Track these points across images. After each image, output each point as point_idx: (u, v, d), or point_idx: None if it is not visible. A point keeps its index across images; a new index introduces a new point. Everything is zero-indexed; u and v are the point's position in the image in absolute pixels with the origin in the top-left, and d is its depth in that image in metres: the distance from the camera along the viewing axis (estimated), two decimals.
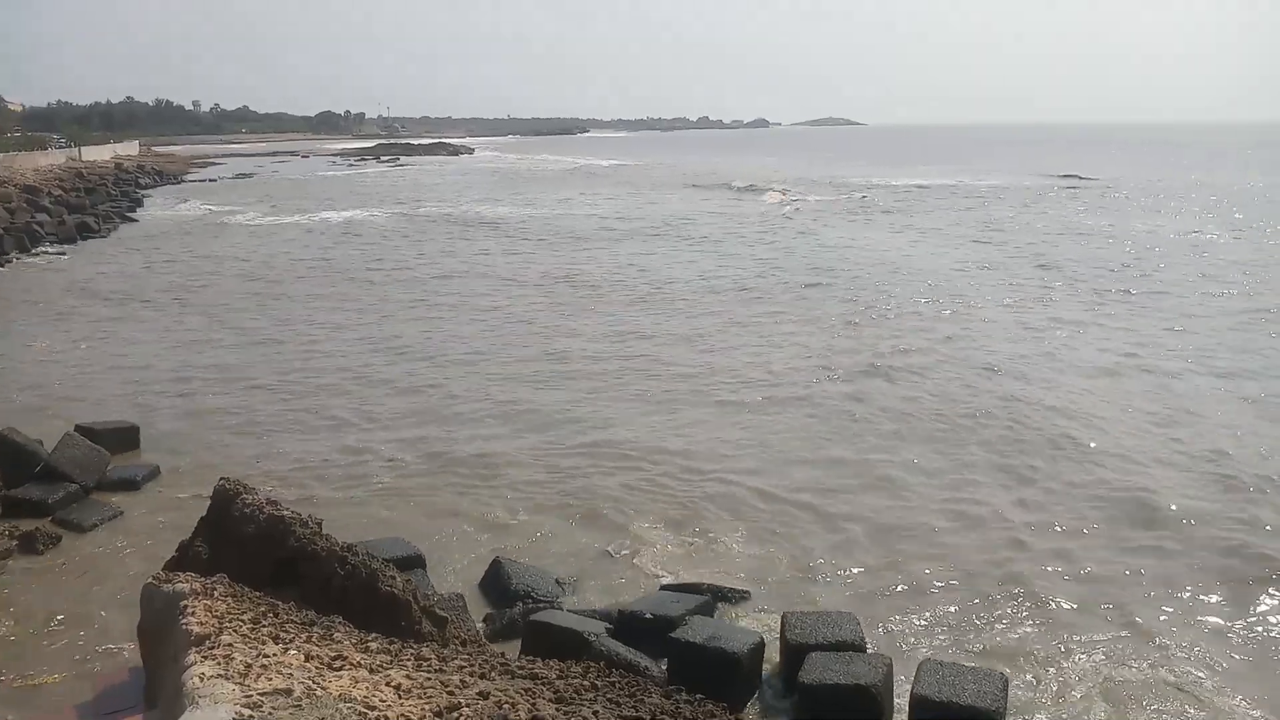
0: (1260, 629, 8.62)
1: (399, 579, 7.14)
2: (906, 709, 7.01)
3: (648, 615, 8.29)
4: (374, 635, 6.07)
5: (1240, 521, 10.78)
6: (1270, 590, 9.27)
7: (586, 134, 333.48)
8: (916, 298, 24.13)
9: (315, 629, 5.91)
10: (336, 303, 24.81)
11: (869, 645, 7.87)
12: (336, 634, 5.89)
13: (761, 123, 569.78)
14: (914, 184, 68.79)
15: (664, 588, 9.30)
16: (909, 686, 7.07)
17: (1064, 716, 7.37)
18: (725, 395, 15.91)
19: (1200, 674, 7.90)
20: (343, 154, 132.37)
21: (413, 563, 9.15)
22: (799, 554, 10.22)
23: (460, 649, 6.61)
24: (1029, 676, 7.89)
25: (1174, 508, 11.15)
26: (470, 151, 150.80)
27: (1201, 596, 9.20)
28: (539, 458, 13.08)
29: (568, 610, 8.72)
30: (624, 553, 10.29)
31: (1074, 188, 63.32)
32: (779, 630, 7.99)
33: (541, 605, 8.79)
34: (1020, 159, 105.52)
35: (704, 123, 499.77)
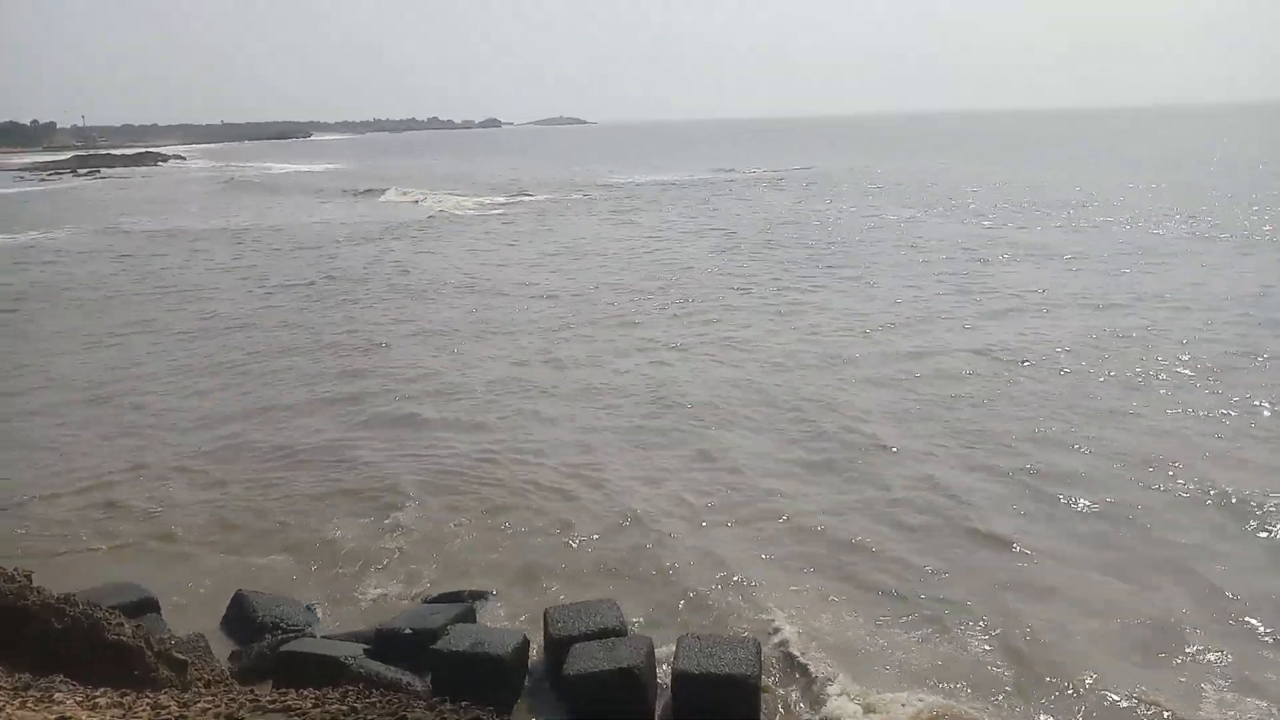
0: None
1: (128, 625, 6.56)
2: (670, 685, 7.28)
3: (407, 631, 8.10)
4: (103, 690, 5.55)
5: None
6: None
7: (309, 138, 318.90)
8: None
9: (31, 692, 5.32)
10: None
11: (632, 629, 8.10)
12: (58, 694, 5.33)
13: (493, 122, 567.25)
14: (631, 181, 70.71)
15: (424, 601, 9.14)
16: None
17: (815, 675, 7.86)
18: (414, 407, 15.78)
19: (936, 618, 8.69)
20: (32, 167, 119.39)
21: (144, 607, 8.46)
22: (556, 550, 10.31)
23: (204, 691, 6.17)
24: (779, 639, 8.35)
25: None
26: (182, 159, 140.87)
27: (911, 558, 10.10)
28: (254, 479, 12.52)
29: (322, 637, 8.38)
30: (371, 570, 9.96)
31: (780, 180, 67.28)
32: (542, 627, 8.04)
33: (292, 635, 8.37)
34: (714, 156, 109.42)
35: (434, 123, 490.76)
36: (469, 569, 9.90)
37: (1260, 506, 10.47)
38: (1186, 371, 15.50)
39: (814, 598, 9.11)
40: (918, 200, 47.08)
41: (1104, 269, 25.35)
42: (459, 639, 7.65)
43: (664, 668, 7.57)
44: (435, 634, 7.88)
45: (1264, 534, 9.95)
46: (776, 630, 8.47)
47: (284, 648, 7.75)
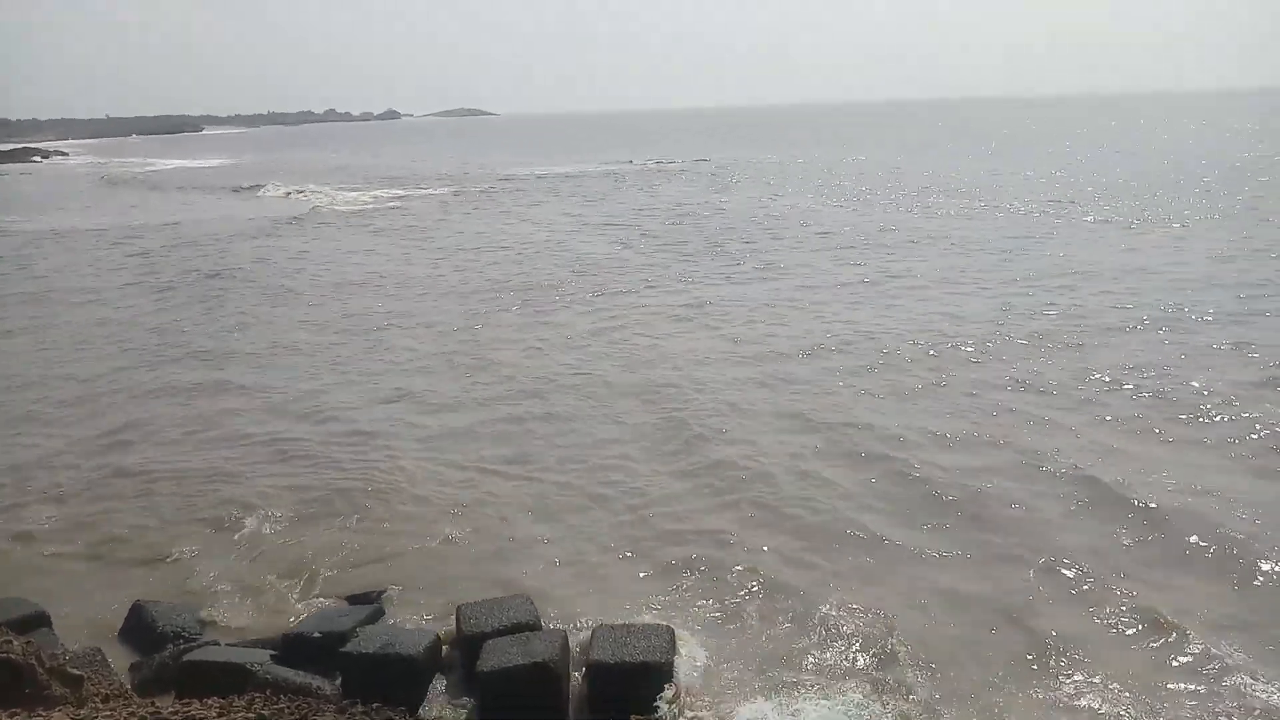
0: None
1: (17, 642, 6.28)
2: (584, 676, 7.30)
3: (315, 634, 7.94)
4: None
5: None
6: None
7: (200, 132, 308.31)
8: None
9: None
10: None
11: (548, 622, 8.09)
12: None
13: (392, 114, 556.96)
14: (526, 173, 70.48)
15: (332, 602, 8.98)
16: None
17: (725, 660, 7.97)
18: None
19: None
20: None
21: (34, 622, 8.12)
22: (463, 546, 10.22)
23: (101, 707, 5.96)
24: (694, 624, 8.44)
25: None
26: (64, 155, 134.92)
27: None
28: (130, 491, 12.05)
29: (226, 644, 8.16)
30: (272, 576, 9.69)
31: (676, 169, 67.95)
32: (455, 624, 7.98)
33: (195, 644, 8.13)
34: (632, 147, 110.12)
35: (331, 115, 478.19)
36: (374, 571, 9.72)
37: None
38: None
39: (693, 590, 9.14)
40: (795, 189, 48.38)
41: (880, 254, 26.71)
42: (369, 640, 7.53)
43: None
44: (344, 636, 7.74)
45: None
46: (679, 617, 8.55)
47: (187, 657, 7.52)
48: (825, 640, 8.15)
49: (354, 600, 8.95)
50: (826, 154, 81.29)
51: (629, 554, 9.91)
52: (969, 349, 16.56)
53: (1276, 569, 8.90)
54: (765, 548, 9.91)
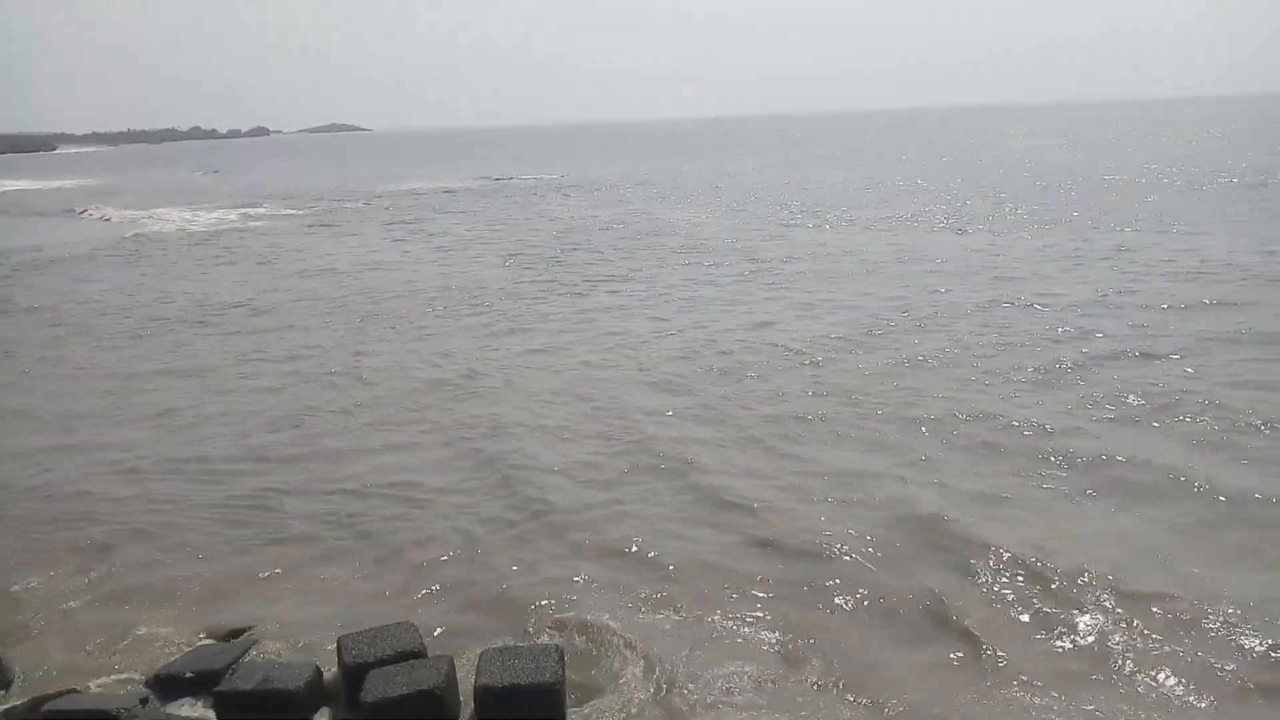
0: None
1: None
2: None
3: (188, 674, 7.62)
4: None
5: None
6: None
7: (55, 151, 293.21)
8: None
9: None
10: None
11: (433, 649, 7.93)
12: None
13: (261, 131, 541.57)
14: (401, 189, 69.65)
15: (206, 640, 8.62)
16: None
17: (620, 675, 7.95)
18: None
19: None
20: None
21: None
22: (345, 575, 9.95)
23: None
24: (582, 642, 8.39)
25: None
26: None
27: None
28: None
29: (95, 687, 7.74)
30: (138, 613, 9.21)
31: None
32: (336, 655, 7.75)
33: (54, 691, 7.68)
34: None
35: (197, 133, 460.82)
36: (249, 605, 9.38)
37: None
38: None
39: (606, 592, 9.19)
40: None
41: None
42: (245, 677, 7.26)
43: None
44: (219, 674, 7.45)
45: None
46: (574, 629, 8.53)
47: (46, 706, 7.12)
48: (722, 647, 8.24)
49: (228, 636, 8.61)
50: (702, 165, 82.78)
51: (517, 574, 9.82)
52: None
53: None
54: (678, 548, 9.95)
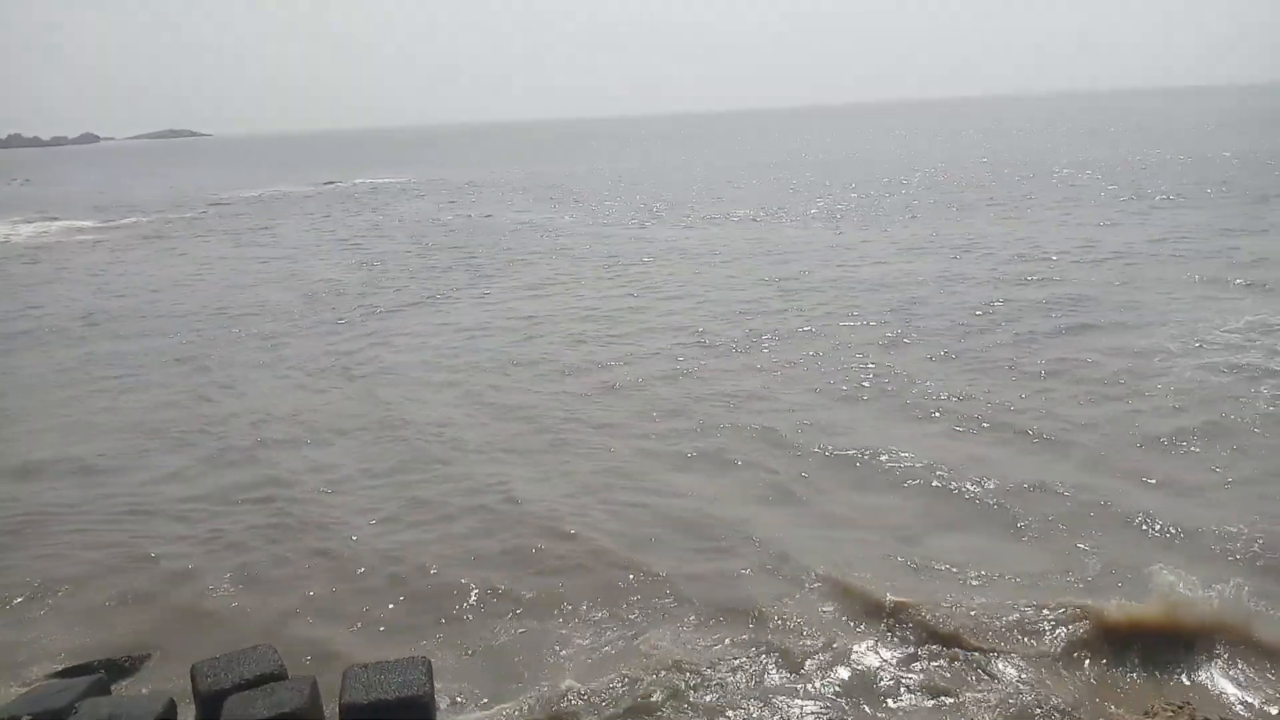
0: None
1: None
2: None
3: (26, 717, 7.14)
4: None
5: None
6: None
7: None
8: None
9: None
10: None
11: (294, 670, 7.68)
12: None
13: (90, 137, 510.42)
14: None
15: (49, 676, 8.10)
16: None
17: (496, 679, 7.92)
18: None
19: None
20: None
21: None
22: (191, 604, 9.55)
23: None
24: (453, 655, 8.32)
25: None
26: None
27: None
28: None
29: None
30: None
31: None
32: (190, 684, 7.42)
33: None
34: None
35: (15, 141, 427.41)
36: (94, 637, 8.90)
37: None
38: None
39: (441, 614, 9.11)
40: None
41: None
42: (90, 714, 6.87)
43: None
44: (61, 713, 7.02)
45: None
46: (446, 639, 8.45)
47: None
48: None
49: (70, 673, 8.11)
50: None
51: (371, 587, 9.63)
52: None
53: None
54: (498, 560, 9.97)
